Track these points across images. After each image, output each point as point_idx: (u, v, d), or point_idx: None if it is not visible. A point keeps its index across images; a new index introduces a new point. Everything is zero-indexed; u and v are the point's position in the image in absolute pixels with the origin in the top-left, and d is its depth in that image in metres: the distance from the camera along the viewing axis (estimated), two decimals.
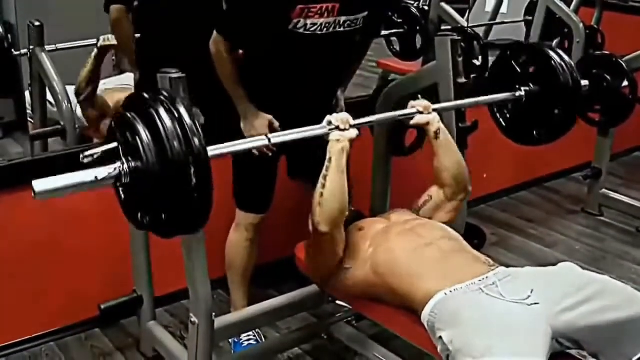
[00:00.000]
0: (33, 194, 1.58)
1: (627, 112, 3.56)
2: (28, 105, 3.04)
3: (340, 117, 2.07)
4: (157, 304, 2.74)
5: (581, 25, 4.46)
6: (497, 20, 5.10)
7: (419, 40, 4.16)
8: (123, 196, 1.73)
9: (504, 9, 5.10)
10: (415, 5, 4.26)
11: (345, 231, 2.22)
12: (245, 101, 2.40)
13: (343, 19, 2.32)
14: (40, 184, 1.59)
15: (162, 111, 1.64)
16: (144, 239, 2.55)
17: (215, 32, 2.34)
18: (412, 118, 2.28)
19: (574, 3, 4.71)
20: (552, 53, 2.47)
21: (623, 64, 3.51)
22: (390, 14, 3.99)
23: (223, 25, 2.34)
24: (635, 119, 3.55)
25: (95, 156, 1.65)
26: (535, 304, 1.80)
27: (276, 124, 2.40)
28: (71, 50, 2.99)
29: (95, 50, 3.01)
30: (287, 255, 2.55)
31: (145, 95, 1.71)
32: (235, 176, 2.58)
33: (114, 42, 2.99)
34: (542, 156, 4.32)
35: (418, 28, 4.13)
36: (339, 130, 2.05)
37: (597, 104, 3.72)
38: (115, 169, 1.65)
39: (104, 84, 3.26)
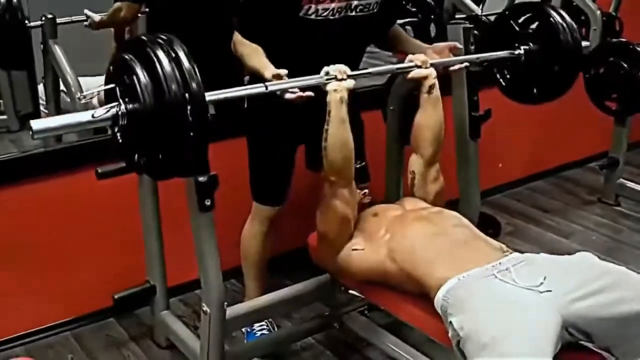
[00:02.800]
0: (31, 133, 1.62)
1: None
2: (42, 99, 3.07)
3: (337, 68, 2.12)
4: (171, 293, 2.76)
5: (598, 12, 4.40)
6: None
7: (433, 29, 4.13)
8: (120, 139, 1.74)
9: None
10: None
11: (359, 215, 2.28)
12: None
13: (355, 2, 2.30)
14: (38, 123, 1.63)
15: (160, 53, 1.66)
16: (157, 228, 2.56)
17: (234, 34, 2.33)
18: (409, 71, 2.32)
19: None
20: (552, 12, 2.48)
21: None
22: (404, 2, 3.97)
23: (238, 21, 2.34)
24: None
25: (93, 96, 1.72)
26: (548, 291, 1.79)
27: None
28: (83, 43, 3.01)
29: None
30: (301, 246, 2.54)
31: (144, 37, 1.73)
32: (252, 167, 2.58)
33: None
34: (558, 146, 4.31)
35: (432, 17, 4.11)
36: (337, 80, 2.10)
37: (614, 92, 3.70)
38: (112, 108, 1.68)
39: None
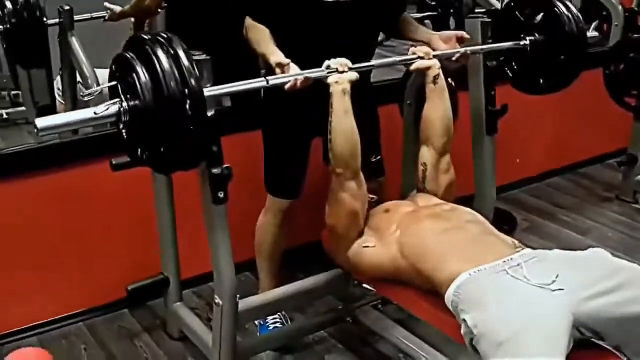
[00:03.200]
0: (36, 131, 1.66)
1: None
2: (59, 90, 3.09)
3: (338, 61, 2.14)
4: (185, 285, 2.77)
5: (620, 7, 4.36)
6: None
7: (452, 23, 4.11)
8: (125, 136, 1.79)
9: None
10: None
11: (370, 212, 2.27)
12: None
13: None
14: (42, 121, 1.67)
15: (159, 51, 1.71)
16: (171, 220, 2.57)
17: (246, 18, 2.34)
18: (413, 63, 2.33)
19: None
20: (557, 2, 2.49)
21: None
22: None
23: (249, 5, 2.34)
24: None
25: (96, 94, 1.80)
26: (560, 290, 1.76)
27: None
28: (100, 34, 3.02)
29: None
30: (316, 240, 2.53)
31: (144, 36, 1.78)
32: (266, 160, 2.58)
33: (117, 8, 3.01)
34: (576, 142, 4.28)
35: (452, 11, 4.09)
36: (338, 73, 2.12)
37: (634, 88, 3.65)
38: (113, 105, 1.73)
39: None
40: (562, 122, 4.15)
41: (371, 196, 2.36)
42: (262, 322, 2.73)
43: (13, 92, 3.39)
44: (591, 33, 2.55)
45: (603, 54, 4.03)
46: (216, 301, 2.18)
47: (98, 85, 2.91)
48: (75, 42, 2.93)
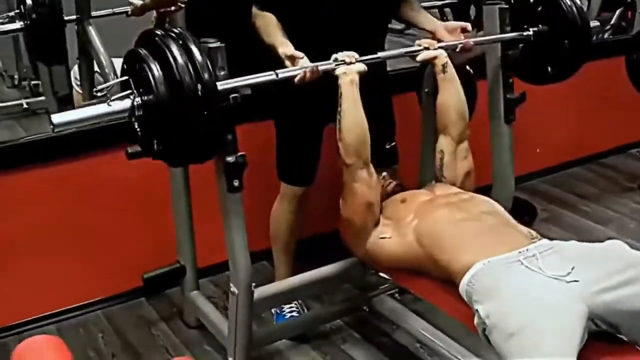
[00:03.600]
0: (52, 127, 1.69)
1: None
2: (76, 79, 3.10)
3: (345, 53, 2.15)
4: (202, 274, 2.77)
5: None
6: None
7: (473, 12, 4.08)
8: (139, 130, 1.81)
9: None
10: None
11: (387, 201, 2.27)
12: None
13: None
14: (58, 117, 1.70)
15: (172, 46, 1.74)
16: (188, 209, 2.57)
17: (253, 7, 2.34)
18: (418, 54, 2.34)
19: None
20: None
21: None
22: None
23: None
24: None
25: (109, 89, 1.83)
26: (575, 281, 1.73)
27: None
28: (117, 23, 3.02)
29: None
30: (331, 231, 2.51)
31: (157, 31, 1.80)
32: (278, 148, 2.58)
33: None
34: (598, 131, 4.23)
35: None
36: (346, 65, 2.13)
37: None
38: (125, 98, 1.75)
39: None
40: (583, 110, 4.10)
41: (392, 180, 2.36)
42: (278, 311, 2.73)
43: (33, 82, 3.42)
44: (593, 22, 2.54)
45: (626, 41, 3.98)
46: (232, 290, 2.17)
47: (115, 74, 2.93)
48: (92, 32, 2.94)
